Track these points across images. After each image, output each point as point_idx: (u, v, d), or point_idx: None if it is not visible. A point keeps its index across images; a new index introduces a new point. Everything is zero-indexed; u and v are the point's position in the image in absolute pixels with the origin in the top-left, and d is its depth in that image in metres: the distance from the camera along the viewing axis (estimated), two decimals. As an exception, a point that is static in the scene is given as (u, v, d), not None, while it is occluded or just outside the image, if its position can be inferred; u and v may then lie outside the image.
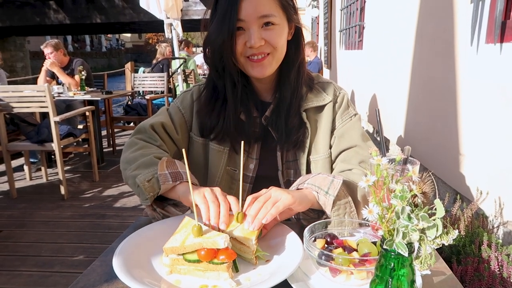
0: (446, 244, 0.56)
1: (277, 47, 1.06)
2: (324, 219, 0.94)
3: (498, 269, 1.36)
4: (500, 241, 1.63)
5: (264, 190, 0.94)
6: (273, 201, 0.88)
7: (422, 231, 0.56)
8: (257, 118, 1.17)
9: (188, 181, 0.93)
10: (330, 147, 1.18)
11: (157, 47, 7.14)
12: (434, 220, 0.55)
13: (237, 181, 1.19)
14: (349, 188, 0.99)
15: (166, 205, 1.03)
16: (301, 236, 0.85)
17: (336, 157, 1.18)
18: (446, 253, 1.57)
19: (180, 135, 1.20)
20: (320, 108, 1.17)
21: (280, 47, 1.07)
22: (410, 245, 0.56)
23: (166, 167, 1.00)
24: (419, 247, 0.58)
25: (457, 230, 0.57)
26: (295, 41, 1.13)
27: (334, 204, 0.94)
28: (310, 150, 1.17)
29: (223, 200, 0.90)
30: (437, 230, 0.55)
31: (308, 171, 1.18)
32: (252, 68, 1.08)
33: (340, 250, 0.79)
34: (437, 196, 0.60)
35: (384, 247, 0.57)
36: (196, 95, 1.21)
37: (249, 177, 1.21)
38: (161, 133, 1.18)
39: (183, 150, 0.87)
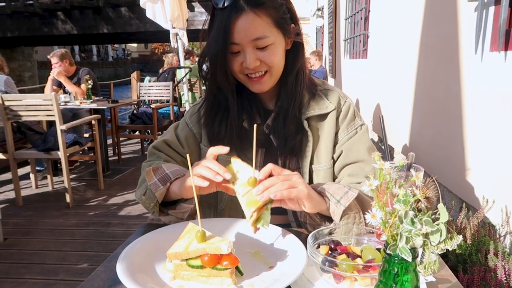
0: (450, 249, 0.56)
1: (273, 65, 1.06)
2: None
3: (505, 278, 1.34)
4: (507, 250, 1.61)
5: (287, 170, 0.94)
6: (290, 184, 0.88)
7: (426, 236, 0.55)
8: (260, 125, 1.17)
9: (176, 179, 0.99)
10: (332, 158, 1.17)
11: (164, 57, 7.22)
12: (437, 225, 0.55)
13: None
14: (361, 203, 0.98)
15: (177, 204, 1.04)
16: (304, 242, 0.85)
17: (341, 169, 1.17)
18: (452, 261, 1.55)
19: (187, 149, 1.22)
20: (323, 117, 1.16)
21: (277, 64, 1.07)
22: (413, 250, 0.55)
23: (154, 175, 1.03)
24: (423, 252, 0.58)
25: (461, 236, 0.57)
26: (294, 50, 1.13)
27: (343, 214, 0.93)
28: (312, 159, 1.16)
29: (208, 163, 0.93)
30: (441, 235, 0.55)
31: (311, 180, 1.17)
32: (251, 86, 1.10)
33: (344, 256, 0.78)
34: (441, 201, 0.60)
35: (388, 252, 0.57)
36: (202, 112, 1.23)
37: None
38: (166, 150, 1.21)
39: (187, 155, 0.87)
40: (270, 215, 0.88)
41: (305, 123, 1.14)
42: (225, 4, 0.99)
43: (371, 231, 0.89)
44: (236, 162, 0.95)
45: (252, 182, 0.88)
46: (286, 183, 0.88)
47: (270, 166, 0.91)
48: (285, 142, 1.13)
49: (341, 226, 0.92)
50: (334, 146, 1.17)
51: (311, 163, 1.16)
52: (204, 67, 1.12)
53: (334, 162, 1.18)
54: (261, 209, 0.86)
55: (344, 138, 1.17)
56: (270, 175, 0.90)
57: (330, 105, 1.16)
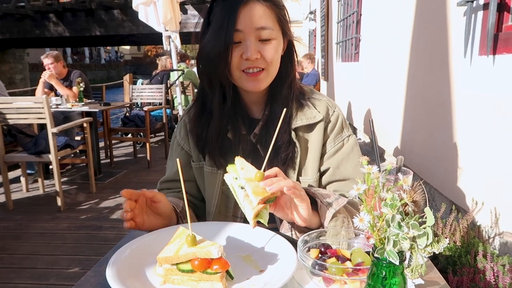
0: (437, 252, 0.57)
1: (272, 62, 1.04)
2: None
3: (493, 280, 1.35)
4: (496, 251, 1.63)
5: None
6: (295, 185, 0.89)
7: (413, 239, 0.56)
8: (246, 135, 1.14)
9: None
10: (319, 170, 1.16)
11: (157, 61, 7.20)
12: (424, 228, 0.56)
13: (233, 199, 1.15)
14: (349, 210, 0.99)
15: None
16: (295, 246, 0.85)
17: (327, 185, 1.16)
18: (442, 263, 1.57)
19: (187, 175, 1.20)
20: (311, 127, 1.13)
21: (275, 62, 1.06)
22: (401, 253, 0.56)
23: None
24: (410, 255, 0.58)
25: (447, 239, 0.58)
26: (288, 57, 1.12)
27: (333, 217, 0.94)
28: (300, 170, 1.14)
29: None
30: (427, 239, 0.56)
31: None
32: (247, 82, 1.06)
33: (333, 259, 0.79)
34: (428, 205, 0.60)
35: (376, 255, 0.58)
36: (187, 119, 1.21)
37: None
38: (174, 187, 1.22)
39: (177, 160, 0.86)
40: (268, 214, 0.89)
41: (293, 133, 1.11)
42: None
43: (359, 234, 0.90)
44: (240, 161, 0.95)
45: (259, 177, 0.88)
46: (290, 181, 0.88)
47: (276, 170, 0.91)
48: (275, 152, 1.10)
49: (330, 228, 0.92)
50: (322, 157, 1.15)
51: (299, 174, 1.14)
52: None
53: (321, 174, 1.16)
54: (263, 205, 0.86)
55: (331, 151, 1.15)
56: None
57: (318, 115, 1.13)
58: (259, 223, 0.87)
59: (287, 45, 1.12)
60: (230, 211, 1.17)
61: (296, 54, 1.15)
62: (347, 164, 1.14)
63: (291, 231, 1.02)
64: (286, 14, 1.09)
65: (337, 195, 0.99)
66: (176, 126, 1.27)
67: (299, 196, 0.89)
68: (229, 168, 0.94)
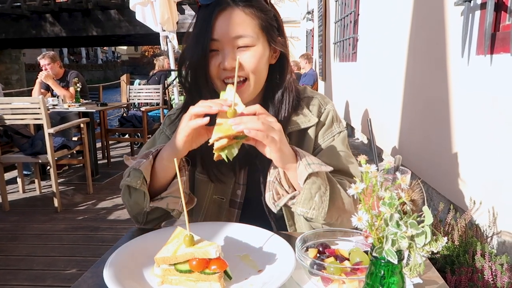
0: (435, 251, 0.57)
1: (254, 71, 0.99)
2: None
3: (492, 279, 1.36)
4: (494, 250, 1.63)
5: (273, 118, 0.90)
6: (268, 129, 0.85)
7: (411, 238, 0.56)
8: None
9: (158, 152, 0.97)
10: None
11: (155, 61, 7.19)
12: (422, 227, 0.55)
13: (224, 209, 1.14)
14: (330, 181, 0.97)
15: (169, 187, 1.00)
16: (293, 245, 0.85)
17: None
18: (440, 263, 1.57)
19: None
20: (304, 130, 1.11)
21: (259, 71, 1.00)
22: (399, 252, 0.56)
23: (132, 159, 1.01)
24: (408, 254, 0.58)
25: (446, 238, 0.58)
26: (280, 66, 1.07)
27: (309, 177, 0.91)
28: None
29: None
30: (426, 237, 0.56)
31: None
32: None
33: (332, 259, 0.79)
34: (426, 203, 0.60)
35: (374, 254, 0.57)
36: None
37: (237, 203, 1.15)
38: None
39: (175, 159, 0.85)
40: (237, 150, 0.86)
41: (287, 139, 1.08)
42: (210, 1, 0.97)
43: (357, 233, 0.89)
44: (230, 91, 0.91)
45: (231, 113, 0.85)
46: (265, 127, 0.85)
47: (257, 107, 0.88)
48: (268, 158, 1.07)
49: (304, 190, 0.90)
50: (312, 152, 1.13)
51: None
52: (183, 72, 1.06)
53: None
54: (231, 140, 0.84)
55: (321, 146, 1.13)
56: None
57: (312, 118, 1.10)
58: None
59: (279, 54, 1.06)
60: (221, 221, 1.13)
61: (289, 64, 1.09)
62: (337, 155, 1.12)
63: (272, 199, 0.98)
64: (275, 19, 1.03)
65: (322, 163, 0.95)
66: (163, 122, 1.21)
67: (263, 139, 0.85)
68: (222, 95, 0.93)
